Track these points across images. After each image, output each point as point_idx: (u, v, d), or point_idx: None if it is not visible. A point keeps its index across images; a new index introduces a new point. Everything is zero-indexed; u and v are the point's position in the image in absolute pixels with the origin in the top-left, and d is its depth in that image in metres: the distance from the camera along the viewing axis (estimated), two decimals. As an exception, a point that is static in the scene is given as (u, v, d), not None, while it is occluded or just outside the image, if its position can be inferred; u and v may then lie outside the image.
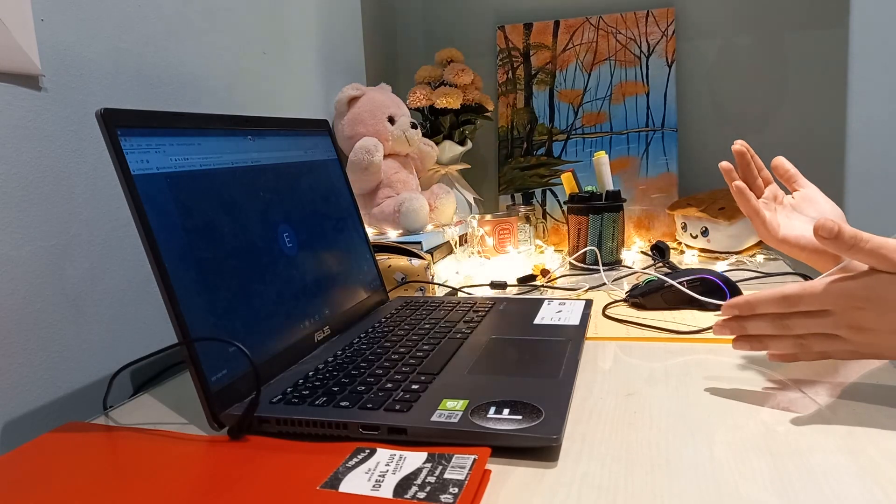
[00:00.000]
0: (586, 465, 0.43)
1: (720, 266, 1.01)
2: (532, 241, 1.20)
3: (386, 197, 1.12)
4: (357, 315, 0.76)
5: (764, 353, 0.62)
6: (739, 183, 0.64)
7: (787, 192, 0.69)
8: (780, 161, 0.68)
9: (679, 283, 0.78)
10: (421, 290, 0.90)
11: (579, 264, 1.06)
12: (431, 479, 0.40)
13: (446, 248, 1.12)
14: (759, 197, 0.68)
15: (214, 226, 0.57)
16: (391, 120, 1.13)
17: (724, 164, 0.67)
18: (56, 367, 0.63)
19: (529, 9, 1.41)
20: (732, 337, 0.56)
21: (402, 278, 0.89)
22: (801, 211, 0.65)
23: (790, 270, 0.97)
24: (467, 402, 0.50)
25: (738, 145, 0.67)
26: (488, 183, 1.48)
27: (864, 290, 0.48)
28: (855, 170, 1.30)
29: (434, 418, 0.47)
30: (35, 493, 0.43)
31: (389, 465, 0.43)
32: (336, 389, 0.54)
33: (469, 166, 1.38)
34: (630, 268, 1.04)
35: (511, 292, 0.94)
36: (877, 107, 1.27)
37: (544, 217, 1.36)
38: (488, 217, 1.14)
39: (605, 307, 0.81)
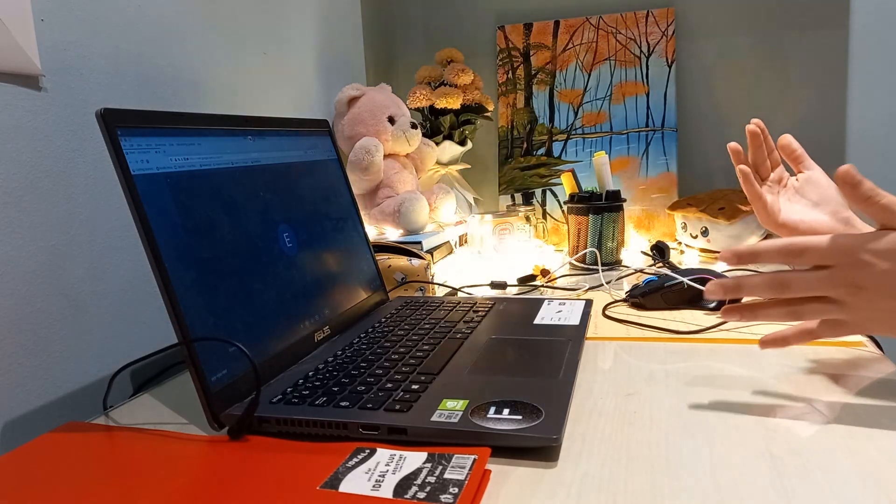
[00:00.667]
0: (586, 465, 0.43)
1: (720, 266, 1.01)
2: (532, 241, 1.20)
3: (386, 197, 1.12)
4: (357, 315, 0.76)
5: (766, 352, 0.62)
6: (744, 167, 0.64)
7: (794, 174, 0.68)
8: (788, 140, 0.66)
9: (680, 281, 0.78)
10: (421, 290, 0.90)
11: (579, 264, 1.06)
12: (431, 479, 0.40)
13: (446, 248, 1.12)
14: (766, 179, 0.67)
15: (214, 226, 0.57)
16: (391, 120, 1.13)
17: (733, 144, 0.66)
18: (56, 367, 0.63)
19: (529, 9, 1.41)
20: (723, 309, 0.54)
21: (402, 278, 0.89)
22: (803, 194, 0.65)
23: (790, 269, 0.97)
24: (467, 402, 0.50)
25: (753, 125, 0.66)
26: (488, 183, 1.48)
27: (870, 243, 0.47)
28: (855, 170, 1.29)
29: (434, 418, 0.47)
30: (35, 493, 0.43)
31: (389, 465, 0.43)
32: (336, 389, 0.54)
33: (469, 166, 1.38)
34: (630, 268, 1.04)
35: (511, 292, 0.94)
36: (877, 107, 1.27)
37: (544, 217, 1.36)
38: (488, 217, 1.14)
39: (605, 307, 0.81)
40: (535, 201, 1.36)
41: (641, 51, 1.32)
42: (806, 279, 0.50)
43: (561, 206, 1.35)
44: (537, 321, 0.72)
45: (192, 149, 0.58)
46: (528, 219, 1.20)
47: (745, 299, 0.73)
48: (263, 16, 1.00)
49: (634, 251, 1.17)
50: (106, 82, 0.70)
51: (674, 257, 1.10)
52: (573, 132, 1.35)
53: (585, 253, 1.06)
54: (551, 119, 1.36)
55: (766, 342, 0.55)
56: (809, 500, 0.38)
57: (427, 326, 0.71)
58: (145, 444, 0.50)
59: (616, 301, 0.84)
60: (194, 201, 0.56)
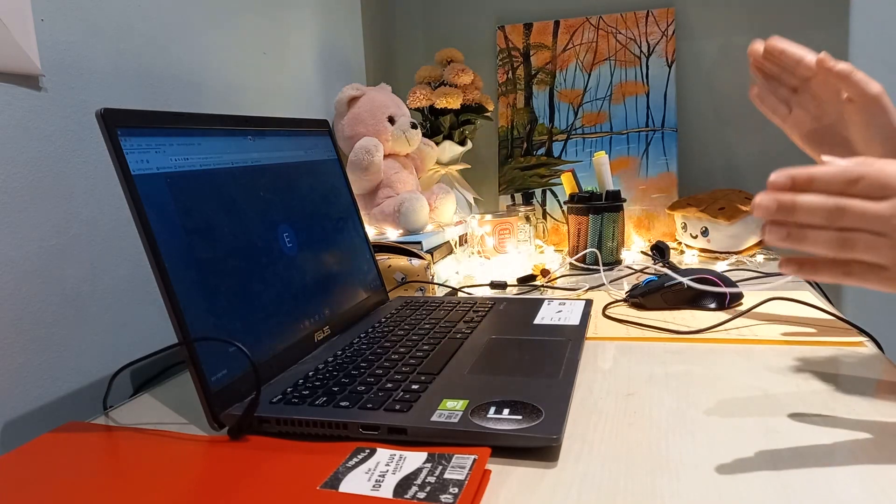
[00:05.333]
0: (586, 465, 0.43)
1: (720, 266, 1.01)
2: (532, 241, 1.20)
3: (386, 197, 1.12)
4: (357, 315, 0.76)
5: (766, 352, 0.62)
6: (755, 88, 0.66)
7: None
8: (777, 44, 0.68)
9: (680, 280, 0.78)
10: (421, 290, 0.90)
11: (579, 264, 1.06)
12: (431, 479, 0.40)
13: (446, 248, 1.12)
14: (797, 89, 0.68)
15: (214, 226, 0.57)
16: (391, 120, 1.13)
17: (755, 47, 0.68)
18: (56, 367, 0.63)
19: (529, 9, 1.41)
20: (765, 223, 0.48)
21: (402, 278, 0.89)
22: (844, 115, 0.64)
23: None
24: (467, 402, 0.50)
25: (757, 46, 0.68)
26: (488, 183, 1.48)
27: None
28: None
29: (434, 418, 0.47)
30: (35, 493, 0.43)
31: (389, 465, 0.43)
32: (336, 389, 0.54)
33: (469, 166, 1.38)
34: (630, 268, 1.04)
35: (511, 292, 0.94)
36: (877, 107, 1.27)
37: (544, 217, 1.36)
38: (488, 217, 1.14)
39: (605, 307, 0.81)
40: (535, 201, 1.36)
41: (641, 51, 1.32)
42: (864, 208, 0.44)
43: (561, 206, 1.35)
44: (537, 321, 0.72)
45: (192, 149, 0.58)
46: (528, 219, 1.20)
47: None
48: (263, 16, 1.00)
49: (634, 251, 1.17)
50: (106, 82, 0.70)
51: (674, 257, 1.10)
52: (573, 132, 1.35)
53: (585, 253, 1.06)
54: (551, 119, 1.36)
55: (791, 263, 0.48)
56: (809, 499, 0.38)
57: (427, 326, 0.71)
58: (145, 444, 0.50)
59: (616, 301, 0.84)
60: (194, 201, 0.56)
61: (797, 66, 0.67)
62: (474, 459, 0.42)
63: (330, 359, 0.62)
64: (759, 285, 0.87)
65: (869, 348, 0.62)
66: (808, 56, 0.65)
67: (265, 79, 1.00)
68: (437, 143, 1.28)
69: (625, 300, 0.83)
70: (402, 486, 0.40)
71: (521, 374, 0.56)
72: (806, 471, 0.41)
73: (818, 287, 0.89)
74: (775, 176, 0.46)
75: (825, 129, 0.68)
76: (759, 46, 0.68)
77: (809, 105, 0.68)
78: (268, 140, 0.70)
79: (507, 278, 0.97)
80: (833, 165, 0.46)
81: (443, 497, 0.38)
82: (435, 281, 0.94)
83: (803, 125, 0.69)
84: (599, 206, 1.04)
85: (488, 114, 1.35)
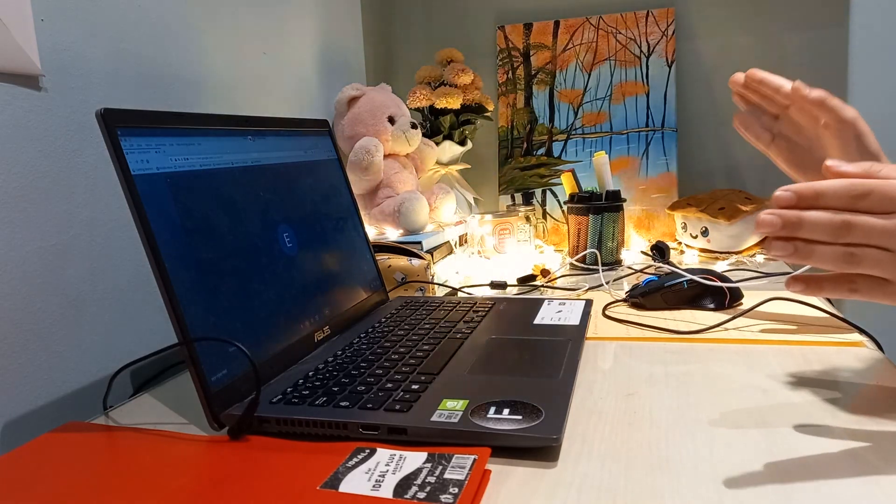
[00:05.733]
0: (586, 465, 0.43)
1: (720, 266, 1.01)
2: (532, 241, 1.20)
3: (386, 197, 1.12)
4: (357, 315, 0.76)
5: (766, 352, 0.62)
6: (740, 115, 0.70)
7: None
8: (758, 75, 0.71)
9: (681, 281, 0.78)
10: (421, 290, 0.90)
11: (579, 264, 1.06)
12: (431, 479, 0.40)
13: (446, 248, 1.12)
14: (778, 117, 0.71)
15: (214, 226, 0.57)
16: (391, 120, 1.13)
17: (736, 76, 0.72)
18: (56, 367, 0.63)
19: (529, 9, 1.41)
20: (769, 238, 0.47)
21: (402, 278, 0.89)
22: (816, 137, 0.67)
23: (790, 271, 0.97)
24: (467, 402, 0.50)
25: (739, 76, 0.72)
26: (488, 183, 1.48)
27: None
28: (855, 170, 1.29)
29: (434, 418, 0.47)
30: (35, 493, 0.43)
31: (389, 465, 0.43)
32: (336, 389, 0.54)
33: (469, 166, 1.38)
34: (630, 268, 1.04)
35: (511, 292, 0.94)
36: (877, 107, 1.27)
37: (544, 217, 1.35)
38: (488, 217, 1.14)
39: (605, 307, 0.81)
40: (535, 201, 1.36)
41: (641, 51, 1.32)
42: (871, 224, 0.44)
43: (561, 206, 1.35)
44: (537, 321, 0.72)
45: (192, 149, 0.58)
46: (528, 219, 1.20)
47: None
48: (263, 16, 1.00)
49: (634, 251, 1.17)
50: (106, 82, 0.70)
51: (674, 257, 1.10)
52: (573, 132, 1.35)
53: (586, 253, 1.06)
54: (551, 119, 1.36)
55: (797, 282, 0.49)
56: (809, 499, 0.38)
57: (427, 326, 0.71)
58: (145, 444, 0.50)
59: (616, 301, 0.84)
60: (194, 201, 0.56)
61: (776, 95, 0.69)
62: (474, 459, 0.42)
63: (330, 359, 0.62)
64: (759, 285, 0.87)
65: (869, 348, 0.62)
66: (786, 85, 0.67)
67: (265, 79, 1.00)
68: (437, 143, 1.28)
69: (625, 300, 0.83)
70: (402, 486, 0.40)
71: (521, 374, 0.56)
72: (805, 471, 0.41)
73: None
74: (780, 192, 0.46)
75: (806, 154, 0.70)
76: (740, 77, 0.72)
77: (790, 131, 0.71)
78: (268, 140, 0.70)
79: (507, 278, 0.97)
80: (840, 180, 0.45)
81: (443, 497, 0.38)
82: (435, 281, 0.94)
83: (785, 151, 0.71)
84: (599, 206, 1.04)
85: (488, 114, 1.35)
